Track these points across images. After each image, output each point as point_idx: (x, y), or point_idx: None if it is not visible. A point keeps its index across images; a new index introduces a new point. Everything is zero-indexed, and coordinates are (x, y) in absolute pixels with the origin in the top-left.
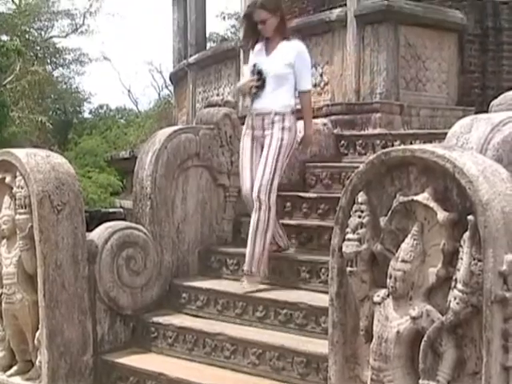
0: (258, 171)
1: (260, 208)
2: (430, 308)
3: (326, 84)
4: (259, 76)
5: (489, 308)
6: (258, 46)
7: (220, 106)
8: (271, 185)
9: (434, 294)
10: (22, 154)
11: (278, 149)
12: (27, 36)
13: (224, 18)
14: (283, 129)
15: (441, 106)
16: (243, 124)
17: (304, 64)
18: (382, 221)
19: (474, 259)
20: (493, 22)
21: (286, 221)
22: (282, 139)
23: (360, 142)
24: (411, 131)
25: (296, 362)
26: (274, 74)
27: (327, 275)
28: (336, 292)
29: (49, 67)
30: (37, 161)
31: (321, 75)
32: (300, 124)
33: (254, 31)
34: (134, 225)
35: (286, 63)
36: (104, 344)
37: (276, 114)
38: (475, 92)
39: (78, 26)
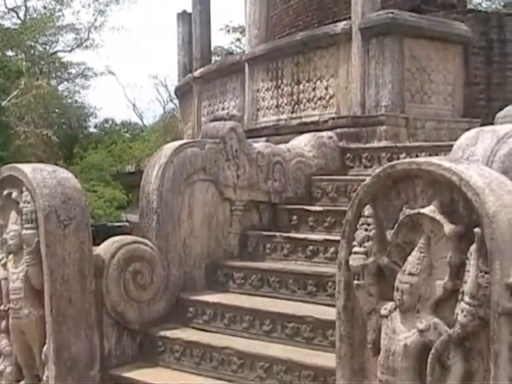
0: None
1: None
2: (437, 321)
3: (332, 97)
4: None
5: (496, 320)
6: None
7: (226, 119)
8: None
9: (441, 307)
10: (28, 169)
11: None
12: (32, 51)
13: (228, 31)
14: None
15: (446, 119)
16: (249, 138)
17: None
18: (389, 234)
19: (481, 272)
20: (497, 34)
21: (293, 234)
22: None
23: (366, 154)
24: (417, 144)
25: (303, 375)
26: None
27: (334, 288)
28: (343, 305)
29: (54, 82)
30: (43, 176)
31: (326, 88)
32: None
33: None
34: (140, 239)
35: None
36: (111, 359)
37: None
38: (480, 104)
39: (83, 40)
